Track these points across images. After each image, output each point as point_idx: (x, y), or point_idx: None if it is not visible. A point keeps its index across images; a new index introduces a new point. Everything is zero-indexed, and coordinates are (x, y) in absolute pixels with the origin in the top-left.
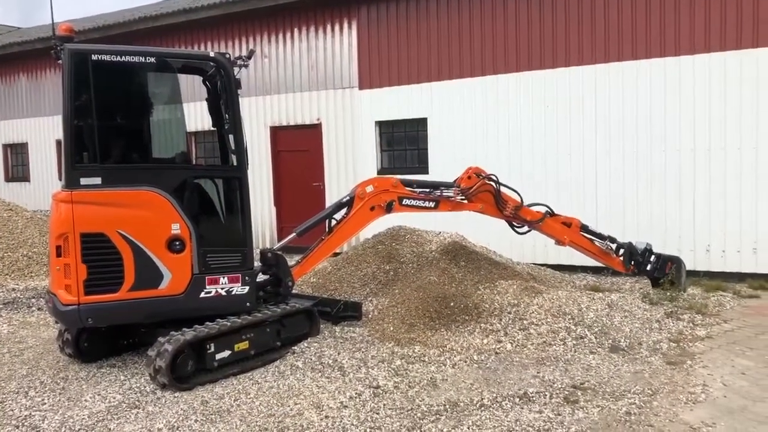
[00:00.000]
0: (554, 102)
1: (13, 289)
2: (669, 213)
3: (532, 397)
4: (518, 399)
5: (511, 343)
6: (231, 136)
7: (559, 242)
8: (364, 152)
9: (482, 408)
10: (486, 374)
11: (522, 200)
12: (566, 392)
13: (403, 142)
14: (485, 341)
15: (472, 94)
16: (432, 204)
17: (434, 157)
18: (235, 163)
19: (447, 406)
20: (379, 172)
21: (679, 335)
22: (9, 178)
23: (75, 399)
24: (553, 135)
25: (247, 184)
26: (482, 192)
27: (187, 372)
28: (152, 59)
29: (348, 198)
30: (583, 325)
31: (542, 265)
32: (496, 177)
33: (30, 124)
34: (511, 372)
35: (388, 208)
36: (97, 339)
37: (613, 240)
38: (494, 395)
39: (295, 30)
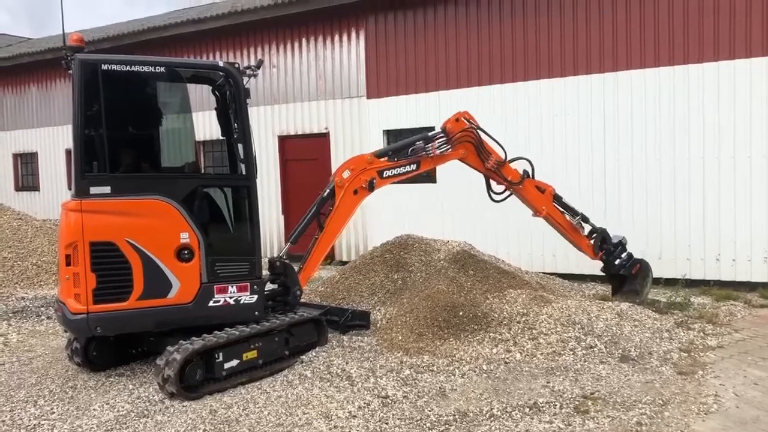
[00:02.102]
0: (563, 110)
1: (23, 298)
2: (678, 221)
3: (542, 407)
4: (528, 409)
5: (520, 352)
6: (240, 145)
7: (535, 213)
8: None
9: (492, 418)
10: (495, 384)
11: (506, 157)
12: (576, 402)
13: None
14: (494, 351)
15: (478, 103)
16: (413, 166)
17: (441, 166)
18: (243, 172)
19: (456, 416)
20: None
21: (690, 345)
22: (19, 188)
23: (84, 408)
24: (562, 143)
25: (256, 193)
26: (466, 141)
27: (196, 381)
28: (162, 69)
29: (329, 190)
30: (593, 335)
31: (551, 274)
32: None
33: (40, 133)
34: (521, 382)
35: (371, 187)
36: (106, 348)
37: (585, 219)
38: (504, 405)
39: (303, 40)
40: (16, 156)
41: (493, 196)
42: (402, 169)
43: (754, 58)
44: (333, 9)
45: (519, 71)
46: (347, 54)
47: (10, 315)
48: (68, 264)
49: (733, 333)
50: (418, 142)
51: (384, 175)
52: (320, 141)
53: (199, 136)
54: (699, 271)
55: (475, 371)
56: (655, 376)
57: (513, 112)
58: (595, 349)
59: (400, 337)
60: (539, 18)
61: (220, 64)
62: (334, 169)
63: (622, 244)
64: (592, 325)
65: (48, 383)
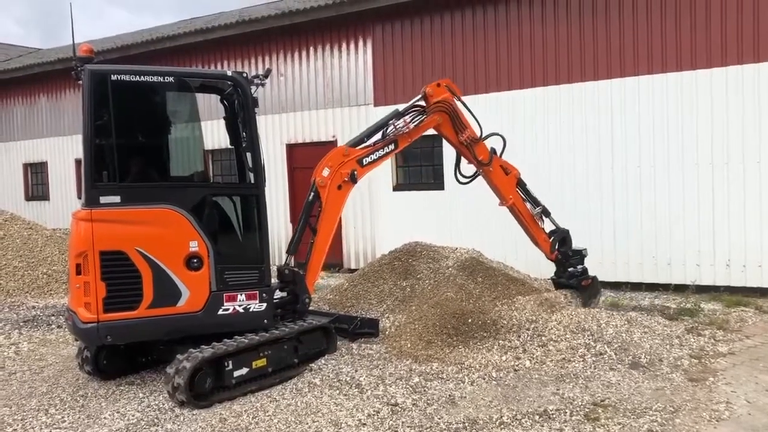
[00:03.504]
0: (570, 116)
1: (33, 307)
2: (688, 226)
3: (552, 414)
4: (538, 416)
5: (530, 359)
6: (248, 154)
7: (501, 201)
8: (380, 168)
9: (502, 426)
10: (505, 391)
11: (482, 134)
12: (586, 410)
13: (419, 158)
14: (504, 358)
15: (485, 110)
16: (391, 146)
17: (449, 172)
18: (252, 181)
19: (466, 424)
20: (394, 189)
21: (701, 351)
22: (29, 197)
23: (94, 416)
24: (572, 148)
25: (265, 201)
26: (441, 111)
27: (206, 389)
28: (171, 79)
29: (313, 194)
30: (603, 342)
31: None
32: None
33: (50, 143)
34: (531, 389)
35: (353, 179)
36: (116, 356)
37: (546, 213)
38: (514, 413)
39: (311, 48)
40: (26, 166)
41: (460, 178)
42: (381, 152)
43: (761, 63)
44: (340, 18)
45: (526, 78)
46: (354, 62)
47: (21, 324)
48: (78, 273)
49: (744, 339)
50: (390, 121)
51: (364, 163)
52: (328, 149)
53: (208, 145)
54: (709, 277)
55: (484, 378)
56: (665, 382)
57: (521, 120)
58: (605, 356)
59: (409, 345)
60: (547, 25)
61: (229, 73)
62: None
63: (581, 255)
64: (601, 332)
65: (59, 392)
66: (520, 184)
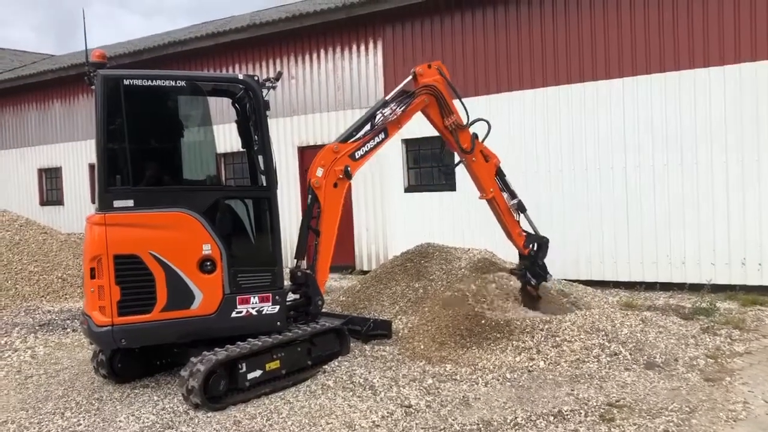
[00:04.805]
0: (580, 115)
1: (49, 311)
2: (702, 225)
3: (567, 415)
4: (552, 417)
5: (543, 360)
6: (260, 157)
7: (482, 194)
8: (391, 170)
9: (516, 427)
10: (519, 392)
11: (468, 121)
12: (602, 410)
13: (430, 160)
14: (517, 359)
15: (497, 110)
16: (381, 135)
17: (461, 173)
18: (264, 184)
19: (480, 425)
20: (406, 190)
21: (717, 351)
22: (44, 202)
23: (110, 420)
24: (581, 150)
25: (277, 203)
26: (428, 93)
27: (220, 392)
28: (183, 83)
29: (311, 197)
30: (617, 342)
31: (573, 281)
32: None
33: (64, 148)
34: (545, 390)
35: (348, 175)
36: (131, 360)
37: (522, 209)
38: (528, 414)
39: (321, 51)
40: (40, 171)
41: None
42: (372, 143)
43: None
44: (350, 20)
45: (537, 78)
46: (365, 64)
47: (37, 328)
48: (93, 277)
49: (760, 338)
50: (378, 111)
51: (356, 157)
52: None
53: (220, 148)
54: (724, 276)
55: (498, 380)
56: (681, 383)
57: (532, 119)
58: (619, 356)
59: (422, 346)
60: (558, 27)
61: (240, 76)
62: (352, 179)
63: (546, 271)
64: (616, 332)
65: (74, 395)
66: (499, 174)
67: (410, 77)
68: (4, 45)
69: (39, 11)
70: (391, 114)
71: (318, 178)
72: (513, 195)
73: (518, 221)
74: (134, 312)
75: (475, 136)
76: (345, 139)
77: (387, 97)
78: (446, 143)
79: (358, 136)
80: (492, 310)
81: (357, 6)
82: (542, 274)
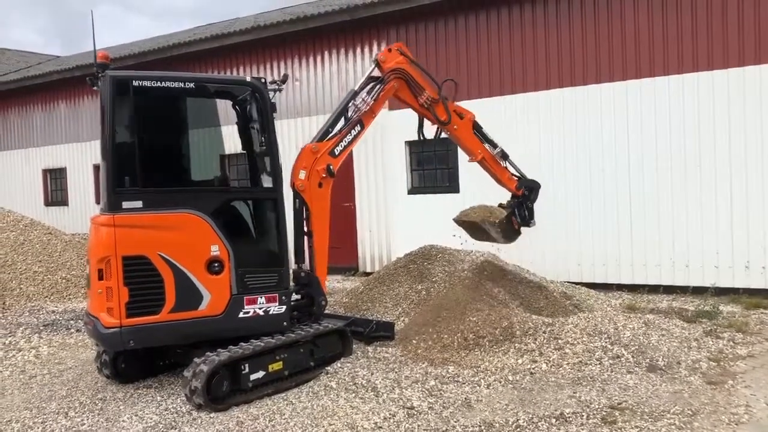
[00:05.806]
0: (585, 117)
1: (53, 311)
2: (706, 228)
3: (569, 417)
4: (554, 420)
5: (546, 362)
6: (267, 159)
7: (470, 158)
8: (394, 172)
9: (518, 429)
10: (521, 395)
11: (440, 92)
12: (603, 413)
13: (433, 161)
14: (520, 361)
15: (500, 113)
16: (358, 127)
17: (464, 175)
18: (271, 185)
19: (482, 428)
20: (409, 192)
21: (719, 354)
22: (48, 203)
23: (113, 420)
24: (585, 153)
25: (283, 205)
26: (396, 77)
27: (223, 392)
28: (191, 85)
29: (298, 201)
30: (620, 344)
31: (576, 283)
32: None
33: (69, 149)
34: (547, 392)
35: (330, 173)
36: (134, 360)
37: (505, 156)
38: (530, 416)
39: (326, 53)
40: (45, 171)
41: (425, 136)
42: (349, 137)
43: None
44: (354, 22)
45: (541, 81)
46: (369, 66)
47: (41, 328)
48: (101, 278)
49: (763, 342)
50: (350, 103)
51: (336, 153)
52: None
53: (228, 149)
54: (727, 279)
55: (500, 382)
56: (683, 386)
57: (536, 122)
58: (622, 358)
59: (424, 348)
60: (562, 29)
61: (247, 79)
62: (356, 181)
63: (531, 212)
64: (618, 335)
65: (78, 395)
66: (476, 128)
67: (373, 66)
68: (9, 46)
69: (46, 15)
70: (363, 104)
71: (302, 180)
72: (494, 145)
73: (506, 167)
74: (142, 313)
75: (445, 98)
76: (322, 137)
77: (356, 88)
78: (424, 120)
79: (334, 132)
80: (494, 312)
81: (361, 8)
82: (527, 217)
